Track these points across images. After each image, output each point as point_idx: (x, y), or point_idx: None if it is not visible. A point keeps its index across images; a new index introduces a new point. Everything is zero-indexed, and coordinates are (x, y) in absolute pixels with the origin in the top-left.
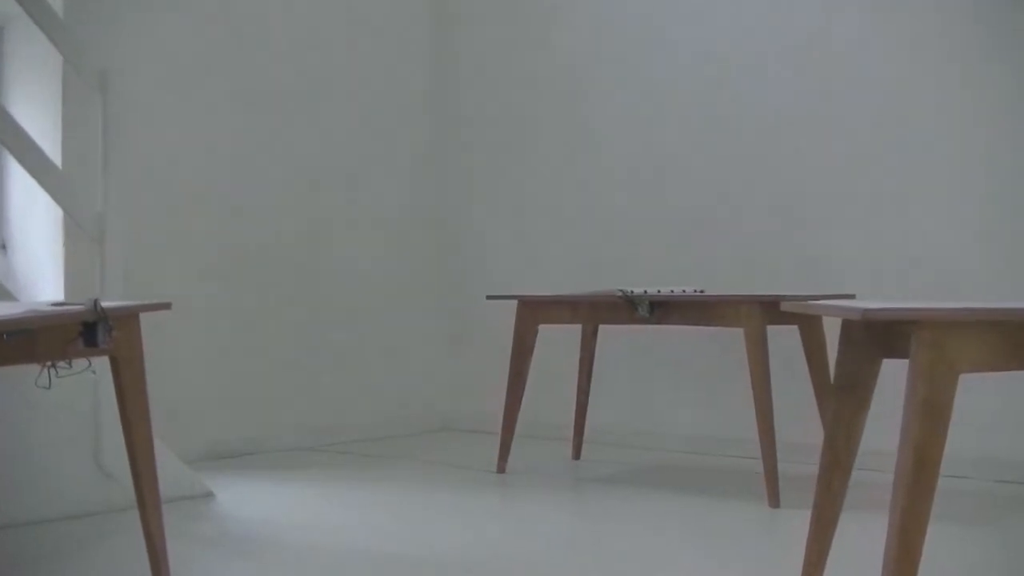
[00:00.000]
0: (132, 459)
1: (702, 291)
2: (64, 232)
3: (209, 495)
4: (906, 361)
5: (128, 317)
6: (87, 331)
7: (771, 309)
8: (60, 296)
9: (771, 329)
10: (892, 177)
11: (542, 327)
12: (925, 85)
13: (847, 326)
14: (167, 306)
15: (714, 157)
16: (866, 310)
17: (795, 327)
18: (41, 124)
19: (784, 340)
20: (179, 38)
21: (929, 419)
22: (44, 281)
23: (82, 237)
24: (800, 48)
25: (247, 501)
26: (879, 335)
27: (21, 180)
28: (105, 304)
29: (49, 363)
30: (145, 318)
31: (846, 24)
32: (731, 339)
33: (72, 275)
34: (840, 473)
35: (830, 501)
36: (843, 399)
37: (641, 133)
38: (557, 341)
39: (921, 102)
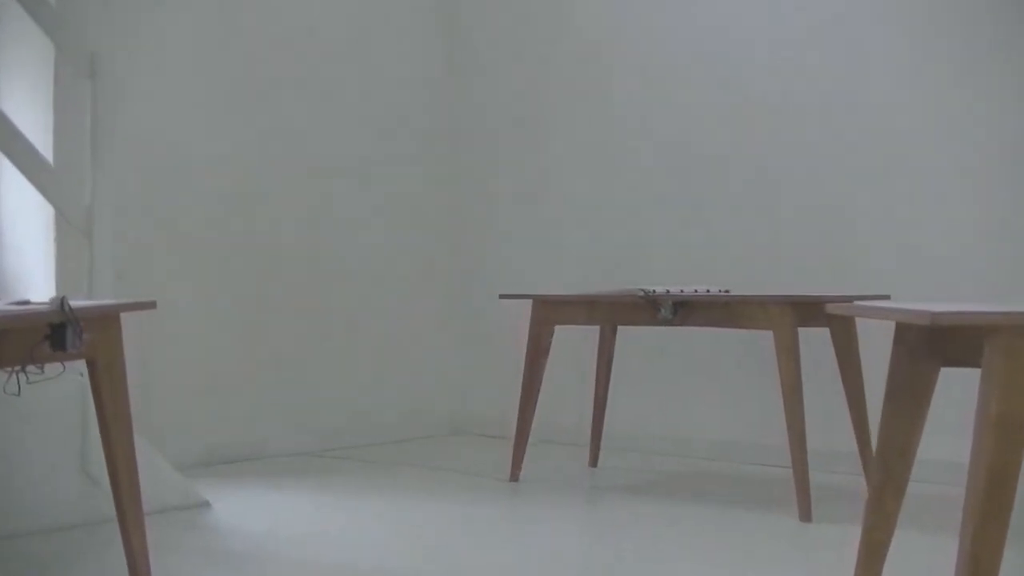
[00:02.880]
0: (111, 469)
1: (727, 291)
2: (56, 228)
3: (204, 504)
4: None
5: (106, 317)
6: (55, 333)
7: (801, 310)
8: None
9: (800, 331)
10: (925, 172)
11: (558, 328)
12: (957, 78)
13: (903, 331)
14: (151, 305)
15: (739, 150)
16: (935, 314)
17: (826, 329)
18: (33, 112)
19: (811, 340)
20: (177, 22)
21: (1004, 435)
22: (36, 280)
23: (75, 233)
24: (833, 36)
25: (245, 511)
26: (940, 341)
27: (13, 174)
28: (79, 304)
29: (17, 368)
30: (140, 317)
31: (880, 13)
32: (757, 341)
33: (64, 274)
34: (893, 491)
35: (883, 522)
36: (897, 410)
37: (664, 124)
38: (574, 342)
39: (952, 95)
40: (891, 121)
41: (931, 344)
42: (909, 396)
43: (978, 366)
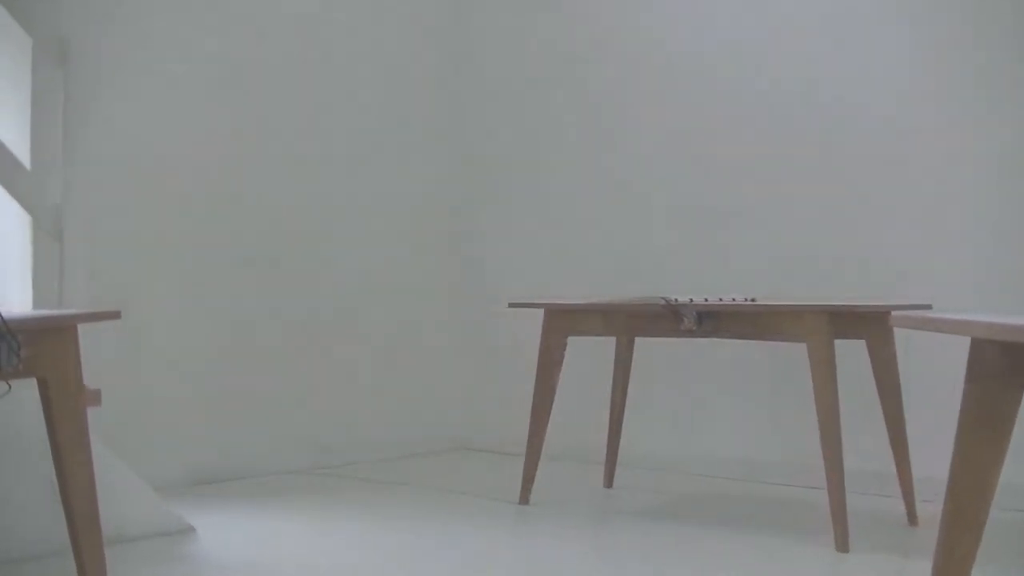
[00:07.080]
0: (65, 497)
1: (752, 299)
2: (32, 228)
3: (188, 530)
4: None
5: (58, 330)
6: None
7: (837, 320)
8: (28, 304)
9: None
10: (952, 173)
11: (572, 339)
12: (980, 80)
13: (980, 348)
14: (115, 315)
15: (759, 153)
16: None
17: (860, 341)
18: (12, 106)
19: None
20: (159, 8)
21: None
22: (12, 286)
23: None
24: (853, 34)
25: (232, 537)
26: None
27: None
28: (22, 315)
29: None
30: (116, 327)
31: (905, 11)
32: (787, 353)
33: (40, 277)
34: (969, 533)
35: (955, 568)
36: (973, 441)
37: (681, 122)
38: (588, 354)
39: (973, 98)
40: (914, 123)
41: (1015, 363)
42: (988, 424)
43: None
